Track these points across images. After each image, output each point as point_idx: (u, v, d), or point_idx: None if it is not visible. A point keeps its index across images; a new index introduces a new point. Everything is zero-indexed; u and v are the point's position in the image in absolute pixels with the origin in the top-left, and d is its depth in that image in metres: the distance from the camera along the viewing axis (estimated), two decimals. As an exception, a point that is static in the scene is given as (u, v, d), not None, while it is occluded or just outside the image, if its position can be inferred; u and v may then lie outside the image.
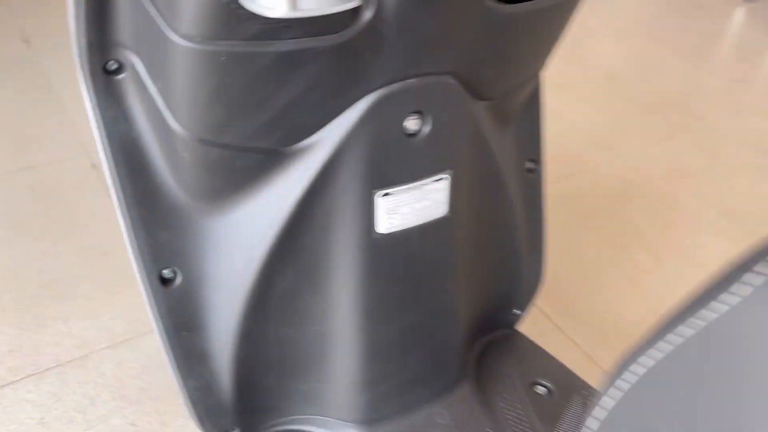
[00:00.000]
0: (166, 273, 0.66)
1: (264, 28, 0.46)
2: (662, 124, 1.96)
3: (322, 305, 0.70)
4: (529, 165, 0.84)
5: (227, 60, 0.49)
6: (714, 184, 1.71)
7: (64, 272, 1.30)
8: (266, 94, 0.52)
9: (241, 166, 0.60)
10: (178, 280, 0.66)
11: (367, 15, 0.51)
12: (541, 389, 0.85)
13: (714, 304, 0.31)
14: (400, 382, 0.77)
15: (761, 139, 1.91)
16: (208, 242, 0.65)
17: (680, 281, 1.40)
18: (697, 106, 2.06)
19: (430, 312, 0.76)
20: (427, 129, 0.62)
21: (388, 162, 0.63)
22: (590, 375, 0.93)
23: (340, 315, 0.70)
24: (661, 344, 0.33)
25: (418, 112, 0.61)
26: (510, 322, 0.94)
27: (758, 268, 0.29)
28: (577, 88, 2.11)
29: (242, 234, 0.64)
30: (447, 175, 0.67)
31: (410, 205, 0.66)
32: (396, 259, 0.69)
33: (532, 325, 1.20)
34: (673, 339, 0.32)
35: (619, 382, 0.36)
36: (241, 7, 0.45)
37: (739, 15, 2.74)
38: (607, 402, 0.37)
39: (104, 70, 0.57)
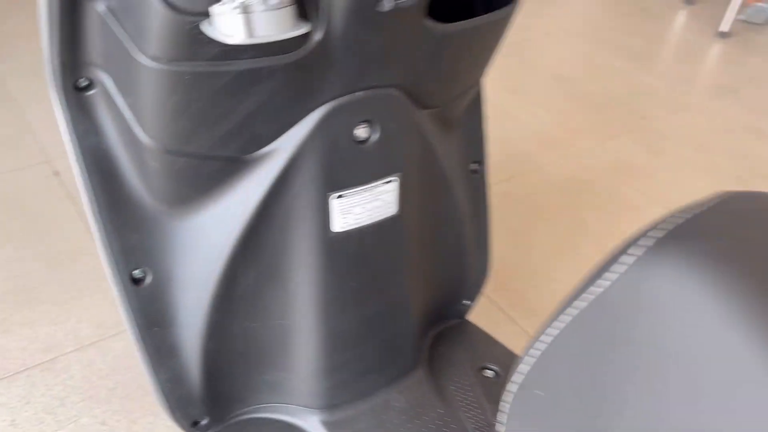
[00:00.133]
0: (137, 273, 0.70)
1: (224, 50, 0.52)
2: (608, 124, 2.06)
3: (283, 300, 0.75)
4: (473, 166, 0.91)
5: (191, 78, 0.54)
6: (656, 180, 1.82)
7: (30, 278, 1.33)
8: (227, 107, 0.58)
9: (206, 173, 0.65)
10: (149, 279, 0.71)
11: (317, 37, 0.57)
12: (489, 373, 0.92)
13: (600, 281, 0.37)
14: (358, 370, 0.83)
15: (699, 137, 2.02)
16: (176, 243, 0.70)
17: (623, 272, 1.48)
18: (640, 106, 2.17)
19: (385, 304, 0.82)
20: (375, 136, 0.68)
21: (341, 167, 0.68)
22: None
23: (301, 309, 0.76)
24: (563, 316, 0.40)
25: (367, 121, 0.67)
26: (461, 312, 1.01)
27: (632, 249, 0.36)
28: (528, 90, 2.20)
29: (208, 235, 0.69)
30: (396, 178, 0.73)
31: (362, 206, 0.72)
32: (351, 255, 0.75)
33: (486, 316, 1.27)
34: (571, 311, 0.39)
35: (532, 351, 0.42)
36: (203, 34, 0.50)
37: (681, 17, 2.88)
38: (523, 368, 0.43)
39: (75, 87, 0.62)
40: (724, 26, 2.66)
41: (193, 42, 0.51)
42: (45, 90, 0.63)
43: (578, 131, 2.00)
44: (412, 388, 0.87)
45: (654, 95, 2.24)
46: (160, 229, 0.69)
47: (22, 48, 2.18)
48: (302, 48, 0.57)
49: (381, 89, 0.66)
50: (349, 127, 0.67)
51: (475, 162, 0.91)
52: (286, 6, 0.50)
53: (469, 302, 0.99)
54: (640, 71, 2.39)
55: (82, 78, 0.62)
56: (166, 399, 0.75)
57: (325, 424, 0.82)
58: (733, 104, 2.22)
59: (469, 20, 0.67)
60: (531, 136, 1.96)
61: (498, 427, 0.45)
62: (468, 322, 1.01)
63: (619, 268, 0.36)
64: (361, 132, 0.68)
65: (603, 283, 0.37)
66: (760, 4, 2.88)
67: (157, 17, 0.50)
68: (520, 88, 2.20)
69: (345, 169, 0.69)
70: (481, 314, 1.23)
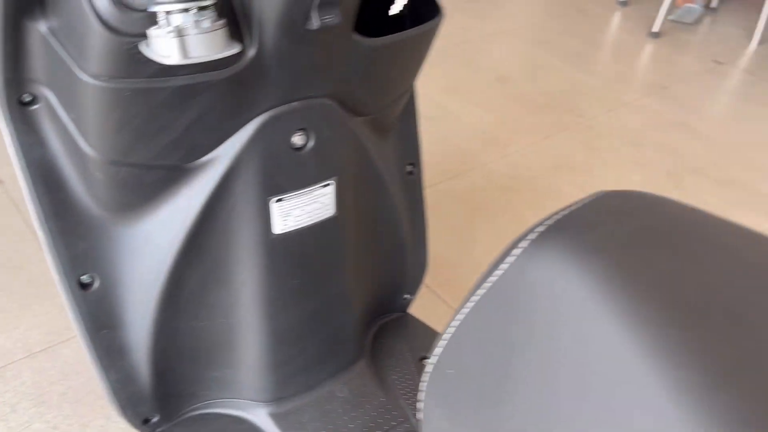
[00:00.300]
0: (85, 278, 0.73)
1: (161, 68, 0.56)
2: (547, 123, 2.15)
3: (228, 300, 0.79)
4: (409, 168, 0.96)
5: (131, 94, 0.58)
6: (593, 175, 1.91)
7: (-24, 288, 1.33)
8: (167, 120, 0.62)
9: (149, 181, 0.69)
10: (96, 284, 0.74)
11: (251, 53, 0.61)
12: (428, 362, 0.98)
13: (496, 271, 0.43)
14: (302, 364, 0.88)
15: (632, 133, 2.13)
16: (123, 249, 0.73)
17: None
18: (577, 105, 2.27)
19: (327, 300, 0.86)
20: (311, 143, 0.73)
21: (280, 172, 0.73)
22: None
23: (245, 307, 0.80)
24: (468, 303, 0.46)
25: (303, 129, 0.72)
26: (402, 306, 1.06)
27: (522, 243, 0.42)
28: (471, 91, 2.28)
29: (153, 240, 0.73)
30: (332, 181, 0.78)
31: (301, 208, 0.77)
32: (292, 255, 0.79)
33: (431, 310, 1.33)
34: (474, 298, 0.45)
35: (445, 335, 0.48)
36: (141, 53, 0.54)
37: (616, 18, 3.01)
38: (437, 350, 0.49)
39: (19, 102, 0.64)
40: (656, 26, 2.80)
41: (131, 61, 0.55)
42: (-11, 104, 0.66)
43: (519, 130, 2.09)
44: (355, 378, 0.92)
45: (590, 94, 2.35)
46: (106, 235, 0.72)
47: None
48: (237, 64, 0.61)
49: (315, 99, 0.71)
50: (286, 135, 0.71)
51: (410, 164, 0.96)
52: (218, 29, 0.54)
53: (409, 296, 1.05)
54: (578, 71, 2.49)
55: (25, 93, 0.65)
56: (117, 398, 0.78)
57: (273, 416, 0.86)
58: (664, 101, 2.34)
59: (395, 34, 0.72)
60: (473, 135, 2.03)
61: (418, 405, 0.51)
62: (409, 315, 1.06)
63: (510, 260, 0.42)
64: (297, 139, 0.72)
65: (498, 273, 0.42)
66: (689, 4, 3.03)
67: (97, 39, 0.54)
68: (462, 88, 2.27)
69: (283, 174, 0.73)
70: (426, 307, 1.29)
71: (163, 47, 0.52)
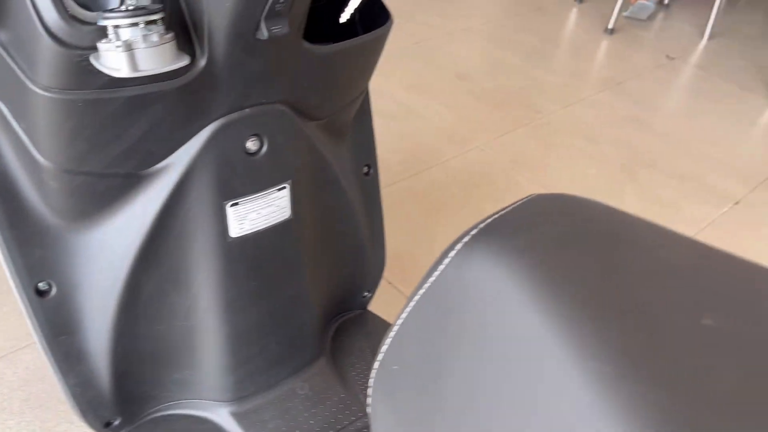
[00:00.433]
0: (42, 285, 0.74)
1: (112, 79, 0.57)
2: (506, 119, 2.20)
3: (186, 303, 0.80)
4: (365, 169, 0.99)
5: (83, 105, 0.59)
6: (550, 170, 1.96)
7: (-67, 295, 1.31)
8: (119, 130, 0.63)
9: (103, 189, 0.70)
10: (54, 291, 0.74)
11: (201, 64, 0.63)
12: None
13: (435, 272, 0.46)
14: (262, 363, 0.90)
15: (588, 128, 2.19)
16: (79, 255, 0.74)
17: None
18: (535, 101, 2.32)
19: (285, 300, 0.88)
20: (265, 148, 0.75)
21: (234, 177, 0.74)
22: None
23: (204, 310, 0.81)
24: (411, 302, 0.48)
25: (256, 135, 0.74)
26: (362, 303, 1.08)
27: (457, 245, 0.45)
28: (431, 88, 2.31)
29: (109, 246, 0.74)
30: (287, 185, 0.80)
31: (257, 212, 0.78)
32: (249, 258, 0.81)
33: (393, 306, 1.36)
34: (416, 297, 0.48)
35: (391, 332, 0.51)
36: (91, 65, 0.55)
37: (573, 15, 3.07)
38: (384, 348, 0.51)
39: None
40: (611, 23, 2.87)
41: (81, 73, 0.56)
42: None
43: (478, 126, 2.13)
44: (315, 376, 0.94)
45: (548, 90, 2.40)
46: (62, 243, 0.73)
47: None
48: (187, 74, 0.62)
49: (267, 105, 0.72)
50: (240, 141, 0.73)
51: (366, 165, 0.99)
52: (167, 42, 0.55)
53: (369, 294, 1.07)
54: (536, 67, 2.55)
55: None
56: (77, 403, 0.79)
57: (234, 415, 0.88)
58: (619, 97, 2.41)
59: (345, 42, 0.74)
60: (435, 133, 2.06)
61: (368, 400, 0.53)
62: (369, 312, 1.09)
63: (446, 261, 0.45)
64: (251, 145, 0.74)
65: (436, 274, 0.45)
66: (642, 1, 3.11)
67: (47, 52, 0.55)
68: (424, 86, 2.30)
69: (238, 179, 0.75)
70: (389, 302, 1.32)
71: (112, 61, 0.53)
